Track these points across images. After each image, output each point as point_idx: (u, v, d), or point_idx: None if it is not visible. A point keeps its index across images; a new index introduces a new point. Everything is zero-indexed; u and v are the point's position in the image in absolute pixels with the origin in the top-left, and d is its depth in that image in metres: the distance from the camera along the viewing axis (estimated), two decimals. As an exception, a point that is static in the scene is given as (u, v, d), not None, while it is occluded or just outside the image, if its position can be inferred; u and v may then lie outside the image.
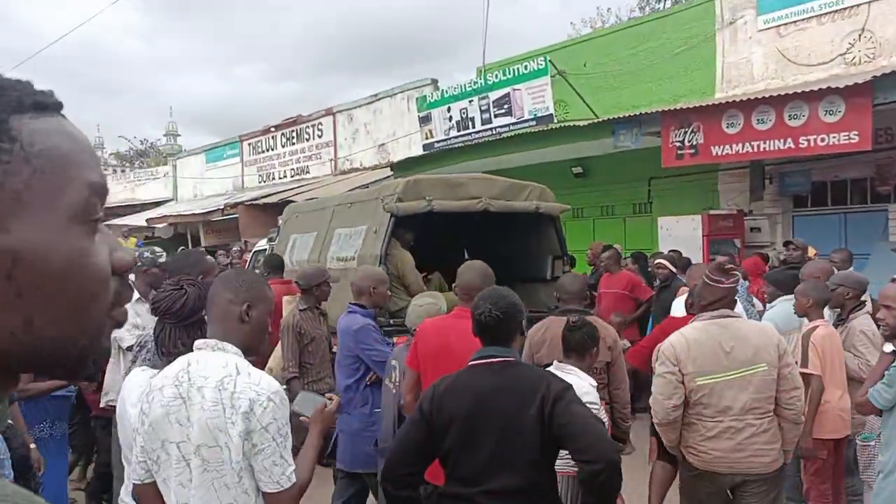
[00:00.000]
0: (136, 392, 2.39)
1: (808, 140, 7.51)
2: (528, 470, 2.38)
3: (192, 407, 1.98)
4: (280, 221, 8.10)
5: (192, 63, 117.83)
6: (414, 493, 2.53)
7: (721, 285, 3.56)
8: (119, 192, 26.97)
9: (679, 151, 8.66)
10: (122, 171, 33.29)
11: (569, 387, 2.44)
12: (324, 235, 6.42)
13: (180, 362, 2.09)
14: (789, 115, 7.65)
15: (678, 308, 5.75)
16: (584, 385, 3.36)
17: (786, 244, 7.18)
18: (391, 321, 5.41)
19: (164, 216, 20.61)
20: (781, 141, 7.73)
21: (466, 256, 7.42)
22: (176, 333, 2.44)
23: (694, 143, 8.48)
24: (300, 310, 5.02)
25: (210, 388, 1.98)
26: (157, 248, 4.61)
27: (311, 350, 5.01)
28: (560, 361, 3.57)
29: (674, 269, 7.32)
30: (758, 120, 7.89)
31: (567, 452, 2.48)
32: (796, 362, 4.49)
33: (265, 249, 9.12)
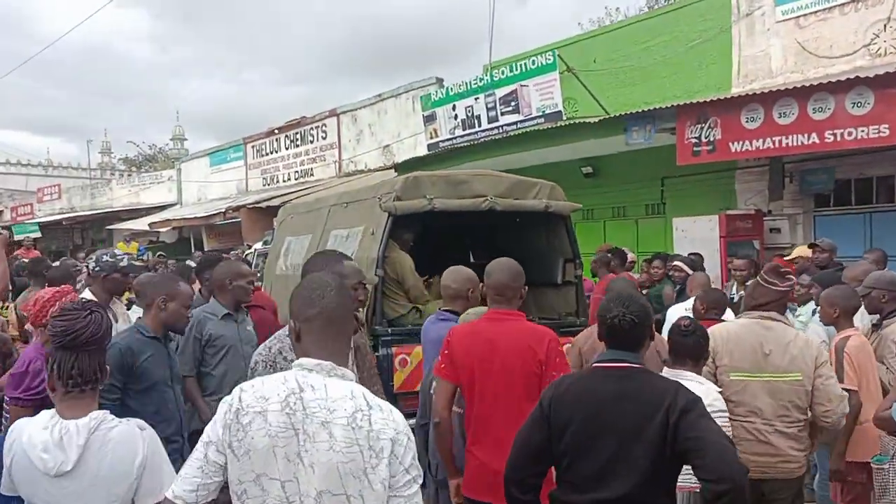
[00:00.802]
0: (39, 436, 2.06)
1: (835, 134, 7.06)
2: (645, 482, 2.25)
3: (315, 445, 1.70)
4: (275, 223, 7.73)
5: (202, 68, 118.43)
6: (536, 499, 2.45)
7: (776, 287, 3.52)
8: (123, 196, 26.78)
9: (695, 148, 8.22)
10: (129, 175, 33.10)
11: (698, 399, 2.32)
12: (319, 237, 6.04)
13: (283, 384, 1.76)
14: (814, 108, 7.20)
15: (675, 315, 5.36)
16: (709, 391, 3.26)
17: (811, 246, 6.73)
18: (389, 329, 5.03)
19: (168, 220, 20.33)
20: (805, 136, 7.28)
21: (472, 259, 7.07)
22: (95, 360, 2.19)
23: (711, 138, 8.04)
24: None
25: (340, 426, 1.71)
26: (118, 251, 4.20)
27: (357, 363, 4.47)
28: (672, 368, 3.36)
29: (691, 272, 6.92)
30: (780, 114, 7.45)
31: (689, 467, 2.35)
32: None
33: (262, 253, 8.73)
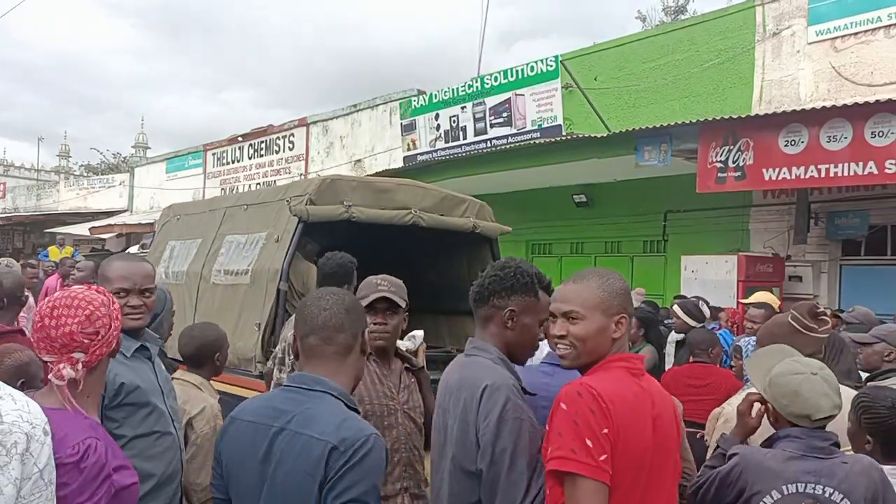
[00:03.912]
0: None
1: (898, 164, 5.89)
2: None
3: None
4: (157, 225, 6.88)
5: (179, 85, 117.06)
6: None
7: (815, 335, 2.89)
8: (70, 199, 24.98)
9: (720, 174, 7.00)
10: (77, 177, 31.30)
11: None
12: (210, 243, 5.43)
13: None
14: (872, 132, 6.03)
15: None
16: None
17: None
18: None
19: (111, 226, 18.65)
20: (860, 165, 6.09)
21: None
22: None
23: (741, 163, 6.82)
24: None
25: None
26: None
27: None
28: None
29: (689, 321, 5.64)
30: (829, 137, 6.26)
31: None
32: None
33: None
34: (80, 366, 1.71)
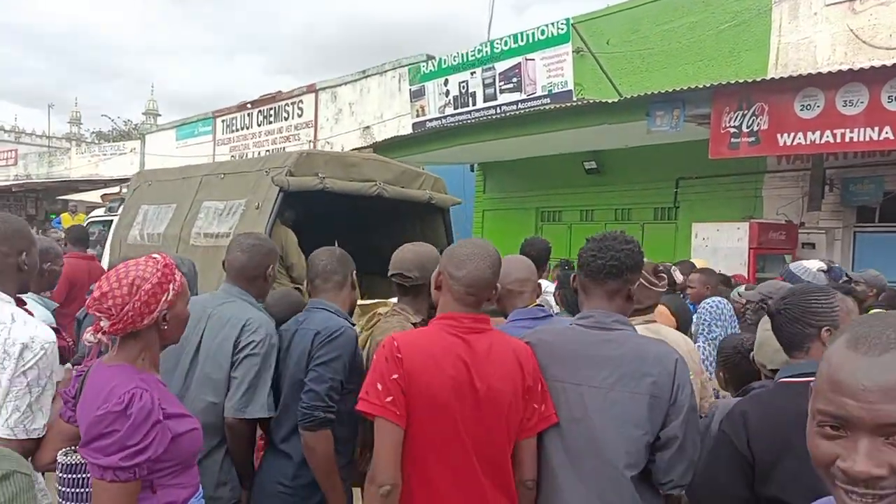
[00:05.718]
0: None
1: (915, 129, 5.76)
2: None
3: None
4: (128, 189, 7.15)
5: (190, 52, 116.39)
6: None
7: (655, 289, 3.29)
8: (82, 166, 25.07)
9: (734, 139, 6.88)
10: (89, 144, 31.35)
11: None
12: (187, 208, 5.73)
13: None
14: (889, 97, 5.89)
15: None
16: None
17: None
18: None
19: (122, 193, 18.65)
20: (875, 130, 5.97)
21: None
22: None
23: (755, 128, 6.70)
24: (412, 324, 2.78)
25: None
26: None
27: None
28: None
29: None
30: (844, 102, 6.13)
31: None
32: None
33: (109, 220, 8.10)
34: (100, 333, 1.84)
